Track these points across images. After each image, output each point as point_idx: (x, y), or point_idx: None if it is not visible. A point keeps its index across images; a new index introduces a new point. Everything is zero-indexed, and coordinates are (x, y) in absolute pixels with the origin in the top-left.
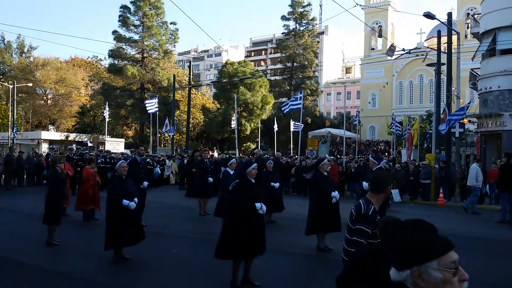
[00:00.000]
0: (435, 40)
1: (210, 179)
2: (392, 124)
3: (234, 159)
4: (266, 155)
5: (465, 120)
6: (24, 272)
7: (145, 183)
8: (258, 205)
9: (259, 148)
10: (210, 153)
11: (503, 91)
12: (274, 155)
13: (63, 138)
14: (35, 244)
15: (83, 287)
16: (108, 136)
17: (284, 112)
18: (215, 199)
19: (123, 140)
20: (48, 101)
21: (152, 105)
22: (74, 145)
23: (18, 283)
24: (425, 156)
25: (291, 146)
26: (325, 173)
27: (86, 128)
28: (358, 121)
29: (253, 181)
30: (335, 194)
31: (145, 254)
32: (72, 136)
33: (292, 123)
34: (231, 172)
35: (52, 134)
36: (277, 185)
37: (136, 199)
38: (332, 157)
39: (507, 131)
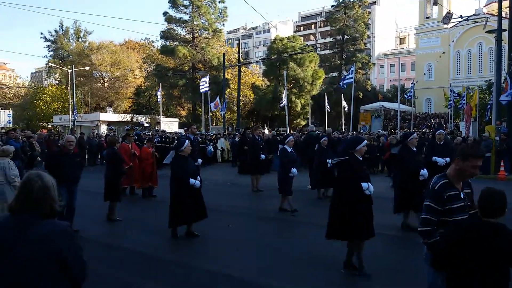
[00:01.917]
0: (495, 5)
1: (262, 156)
2: (451, 96)
3: (291, 137)
4: (317, 132)
5: None
6: (90, 247)
7: (199, 161)
8: (365, 185)
9: (310, 124)
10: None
11: None
12: (325, 131)
13: (121, 119)
14: (98, 220)
15: (145, 261)
16: (163, 116)
17: (342, 88)
18: (267, 176)
19: (177, 120)
20: (105, 83)
21: (204, 85)
22: (130, 125)
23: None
24: (485, 128)
25: (343, 121)
26: (414, 149)
27: (142, 109)
28: (413, 95)
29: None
30: (424, 172)
31: (202, 229)
32: (128, 117)
33: (342, 101)
34: (289, 150)
35: (110, 115)
36: (331, 161)
37: (199, 178)
38: (385, 132)
39: None
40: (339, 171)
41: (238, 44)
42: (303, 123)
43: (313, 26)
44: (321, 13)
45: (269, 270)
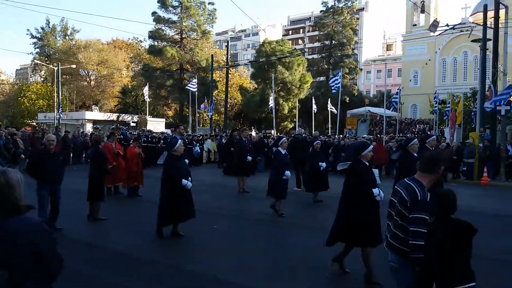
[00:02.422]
0: (480, 15)
1: (249, 158)
2: (435, 103)
3: (285, 138)
4: (303, 135)
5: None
6: (74, 247)
7: (186, 161)
8: (375, 191)
9: (298, 127)
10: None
11: None
12: (312, 135)
13: (107, 118)
14: (82, 220)
15: (128, 261)
16: (149, 116)
17: (333, 91)
18: (253, 177)
19: (163, 120)
20: (91, 82)
21: (193, 85)
22: (115, 124)
23: (69, 257)
24: (469, 135)
25: (329, 125)
26: (415, 154)
27: (128, 109)
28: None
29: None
30: None
31: (187, 230)
32: (114, 116)
33: (329, 105)
34: (283, 152)
35: (95, 114)
36: (324, 164)
37: (190, 178)
38: (371, 136)
39: None
40: (345, 177)
41: (227, 46)
42: (290, 126)
43: (301, 30)
44: (310, 17)
45: (255, 272)
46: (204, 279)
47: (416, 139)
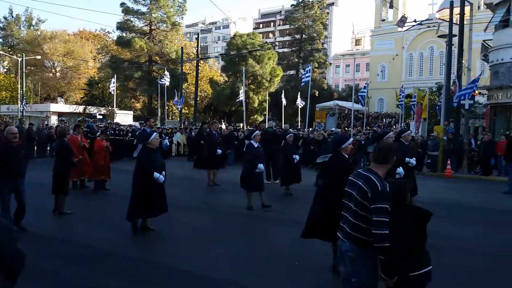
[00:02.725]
0: (446, 11)
1: (219, 151)
2: (401, 97)
3: (258, 131)
4: (273, 128)
5: (476, 92)
6: (40, 241)
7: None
8: None
9: (269, 121)
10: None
11: None
12: (282, 128)
13: (73, 110)
14: (47, 214)
15: (95, 255)
16: (117, 108)
17: (302, 84)
18: (223, 170)
19: (131, 112)
20: (57, 73)
21: (165, 79)
22: (82, 117)
23: (35, 253)
24: (434, 128)
25: (299, 118)
26: (407, 143)
27: (94, 101)
28: (363, 95)
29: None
30: (400, 170)
31: (157, 223)
32: (80, 108)
33: (298, 99)
34: (255, 145)
35: (61, 106)
36: (297, 157)
37: (164, 172)
38: (339, 130)
39: None
40: (323, 170)
41: (197, 38)
42: (260, 119)
43: (272, 24)
44: (281, 11)
45: (226, 264)
46: (176, 273)
47: (409, 130)
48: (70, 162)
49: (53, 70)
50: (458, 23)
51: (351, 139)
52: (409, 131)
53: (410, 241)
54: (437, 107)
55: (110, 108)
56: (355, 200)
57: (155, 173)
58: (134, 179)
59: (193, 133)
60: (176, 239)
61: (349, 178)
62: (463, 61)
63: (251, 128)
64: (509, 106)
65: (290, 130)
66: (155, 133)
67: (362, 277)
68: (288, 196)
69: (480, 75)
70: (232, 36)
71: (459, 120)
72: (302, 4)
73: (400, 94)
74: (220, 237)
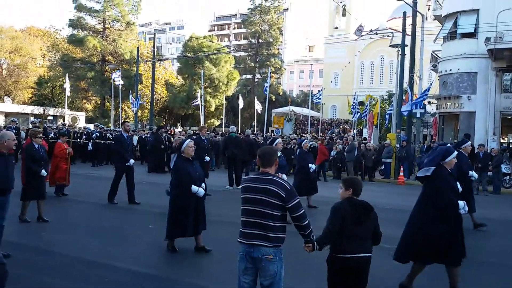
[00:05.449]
0: (396, 21)
1: (207, 158)
2: (354, 104)
3: (279, 138)
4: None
5: (425, 101)
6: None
7: (131, 161)
8: (461, 203)
9: (224, 125)
10: (174, 130)
11: (462, 73)
12: (244, 132)
13: (21, 110)
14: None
15: (57, 260)
16: (68, 109)
17: (264, 92)
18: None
19: (83, 113)
20: (3, 71)
21: (116, 78)
22: (32, 118)
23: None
24: (387, 136)
25: (255, 123)
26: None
27: (44, 101)
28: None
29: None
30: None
31: (122, 229)
32: (29, 108)
33: (256, 103)
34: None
35: (8, 106)
36: (313, 166)
37: (204, 185)
38: (293, 135)
39: (464, 112)
40: (425, 184)
41: (153, 38)
42: (217, 123)
43: (227, 27)
44: (236, 14)
45: (191, 268)
46: (140, 277)
47: (469, 141)
48: (40, 166)
49: None
50: (409, 33)
51: (456, 152)
52: (469, 142)
53: (345, 224)
54: (387, 114)
55: (57, 109)
56: (270, 204)
57: (193, 186)
58: (172, 194)
59: (147, 137)
60: (143, 243)
61: (249, 185)
62: (414, 71)
63: (208, 132)
64: (457, 115)
65: (251, 135)
66: (188, 140)
67: (281, 273)
68: (311, 208)
69: (431, 84)
70: (188, 38)
71: (411, 128)
72: (259, 8)
73: (353, 102)
74: (186, 242)
